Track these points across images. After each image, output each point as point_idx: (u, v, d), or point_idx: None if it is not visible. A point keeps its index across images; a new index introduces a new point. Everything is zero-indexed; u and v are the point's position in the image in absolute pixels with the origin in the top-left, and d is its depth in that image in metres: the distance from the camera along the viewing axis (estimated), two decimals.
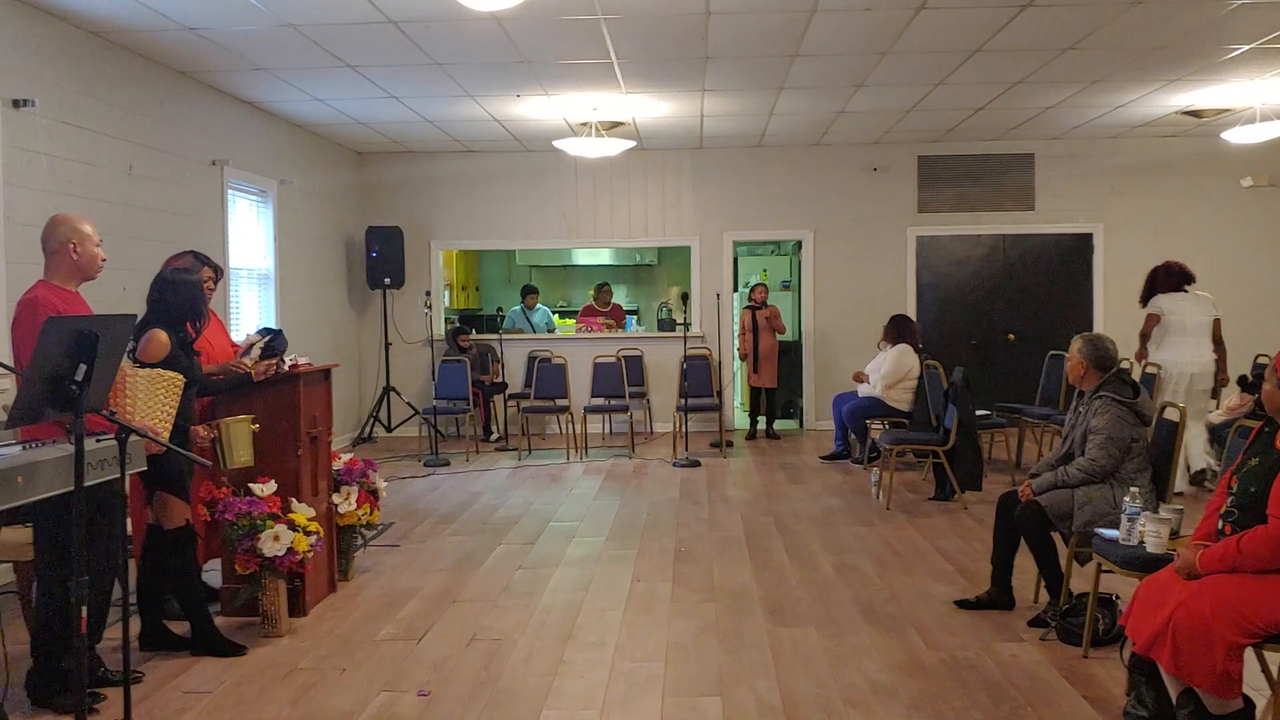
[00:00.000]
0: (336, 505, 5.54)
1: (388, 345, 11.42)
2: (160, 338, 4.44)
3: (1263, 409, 3.63)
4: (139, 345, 4.43)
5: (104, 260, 4.27)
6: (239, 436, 4.72)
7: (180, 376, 4.33)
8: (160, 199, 7.45)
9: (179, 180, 7.76)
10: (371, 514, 5.77)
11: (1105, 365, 4.84)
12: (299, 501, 5.00)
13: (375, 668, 4.42)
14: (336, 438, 8.02)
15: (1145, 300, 7.95)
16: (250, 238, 9.14)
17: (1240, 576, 3.30)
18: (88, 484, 3.29)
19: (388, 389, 11.38)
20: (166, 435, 4.19)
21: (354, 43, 7.08)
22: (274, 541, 4.69)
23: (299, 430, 5.10)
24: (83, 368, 3.20)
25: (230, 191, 8.61)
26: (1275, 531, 3.26)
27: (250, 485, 4.83)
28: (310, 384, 5.30)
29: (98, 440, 3.54)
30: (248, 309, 9.09)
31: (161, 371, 4.27)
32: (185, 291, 4.59)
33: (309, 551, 4.83)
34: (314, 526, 4.91)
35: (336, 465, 5.65)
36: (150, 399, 4.16)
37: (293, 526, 4.79)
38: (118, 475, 3.51)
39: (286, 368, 5.06)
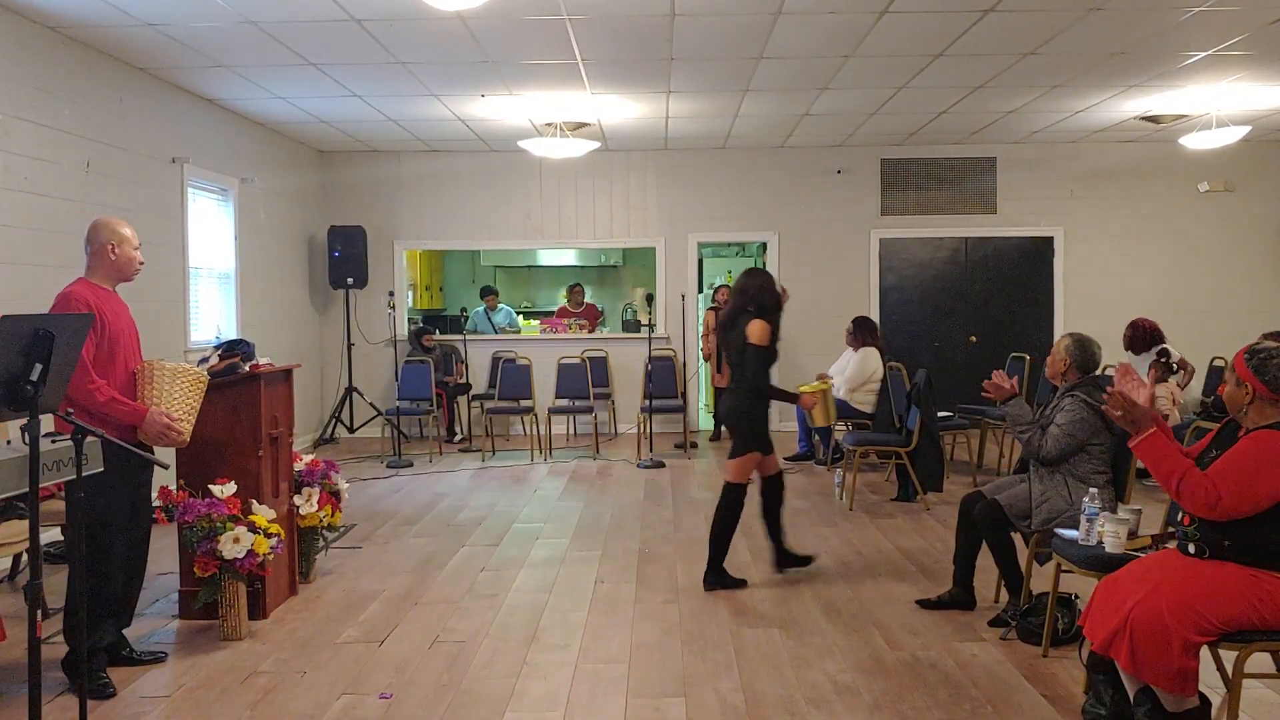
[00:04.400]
0: (298, 507, 5.49)
1: (350, 345, 11.34)
2: (765, 325, 5.43)
3: (1223, 409, 3.69)
4: (747, 330, 5.41)
5: (141, 263, 4.52)
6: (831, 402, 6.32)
7: (205, 375, 4.55)
8: (119, 197, 7.35)
9: (138, 178, 7.65)
10: (333, 516, 5.73)
11: (1087, 368, 4.90)
12: (259, 503, 4.96)
13: (336, 671, 4.38)
14: (298, 439, 7.96)
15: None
16: (211, 237, 9.03)
17: (1195, 575, 3.35)
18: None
19: (350, 390, 11.30)
20: (187, 428, 4.39)
21: (316, 40, 7.02)
22: (234, 544, 4.64)
23: (259, 431, 5.05)
24: (38, 367, 3.14)
25: (190, 189, 8.51)
26: (1209, 488, 3.33)
27: (210, 487, 4.78)
28: (271, 384, 5.24)
29: (53, 441, 3.48)
30: (208, 308, 8.99)
31: (187, 367, 4.44)
32: (772, 286, 5.61)
33: (269, 554, 4.78)
34: (275, 528, 4.86)
35: (298, 466, 5.60)
36: (172, 390, 4.35)
37: (253, 528, 4.75)
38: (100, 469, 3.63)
39: (246, 369, 5.01)
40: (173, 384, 4.37)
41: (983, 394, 5.08)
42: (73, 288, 4.30)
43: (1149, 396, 3.78)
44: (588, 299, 13.41)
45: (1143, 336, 8.44)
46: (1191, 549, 3.48)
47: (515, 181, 11.78)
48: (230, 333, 9.08)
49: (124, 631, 4.50)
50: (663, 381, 10.74)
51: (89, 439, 3.40)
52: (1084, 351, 4.90)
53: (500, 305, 12.74)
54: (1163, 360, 8.20)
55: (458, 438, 11.27)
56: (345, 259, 11.10)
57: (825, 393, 6.19)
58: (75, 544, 3.99)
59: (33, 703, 3.15)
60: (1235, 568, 3.34)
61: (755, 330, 5.41)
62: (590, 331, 12.29)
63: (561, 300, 13.40)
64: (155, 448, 4.35)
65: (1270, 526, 3.31)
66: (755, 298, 5.51)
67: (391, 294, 11.26)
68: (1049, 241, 11.75)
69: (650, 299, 11.06)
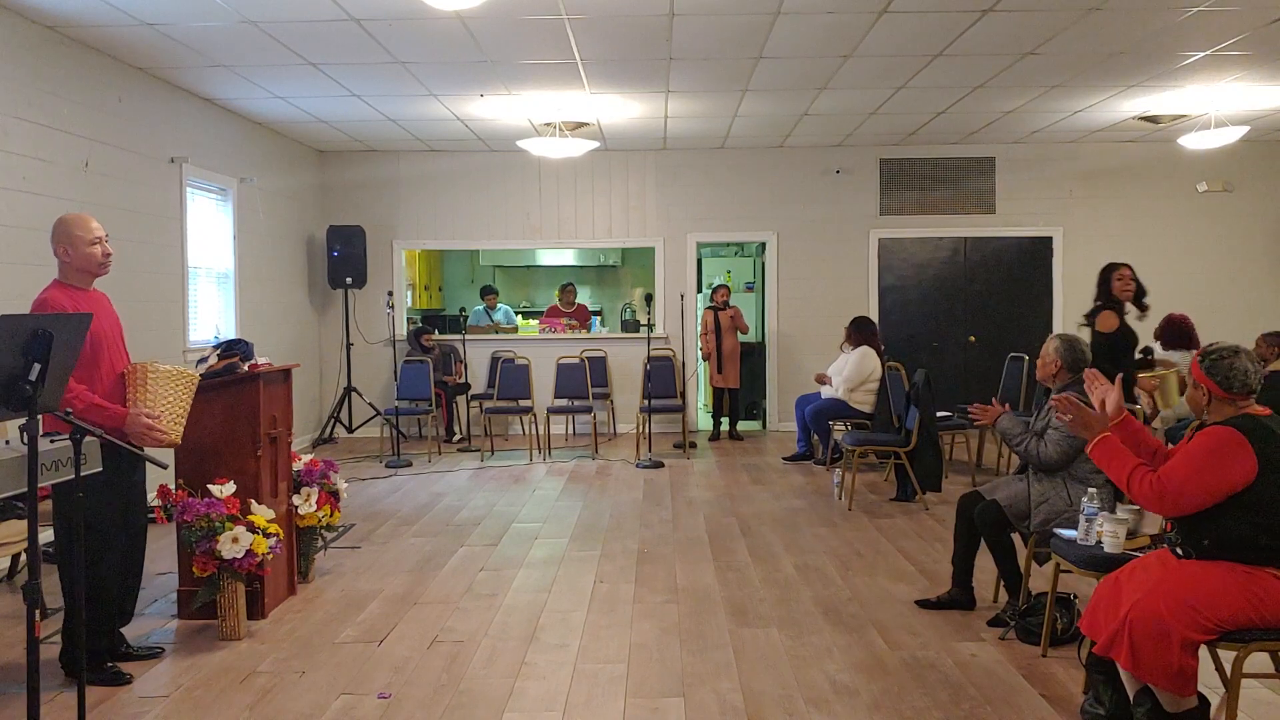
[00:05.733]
0: (296, 507, 5.49)
1: (349, 345, 11.34)
2: (1110, 315, 6.24)
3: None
4: (1096, 320, 6.33)
5: (107, 255, 4.36)
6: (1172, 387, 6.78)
7: (196, 376, 4.54)
8: (118, 196, 7.35)
9: (137, 177, 7.65)
10: (332, 515, 5.72)
11: (1077, 367, 4.90)
12: (258, 503, 4.96)
13: (335, 670, 4.38)
14: (297, 439, 7.96)
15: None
16: (210, 236, 9.03)
17: (1193, 574, 3.35)
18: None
19: (349, 389, 11.30)
20: (178, 430, 4.38)
21: (315, 40, 7.02)
22: (233, 543, 4.64)
23: (258, 431, 5.05)
24: (37, 367, 3.14)
25: (189, 189, 8.50)
26: (1154, 481, 3.43)
27: (209, 486, 4.78)
28: (270, 384, 5.24)
29: (52, 441, 3.48)
30: (207, 308, 8.98)
31: (180, 370, 4.42)
32: (1106, 281, 6.40)
33: (268, 554, 4.78)
34: (273, 528, 4.86)
35: (297, 466, 5.60)
36: (164, 394, 4.34)
37: (252, 528, 4.74)
38: (76, 474, 3.50)
39: (244, 368, 5.00)
40: (166, 387, 4.35)
41: (973, 423, 5.11)
42: (48, 293, 4.23)
43: (1116, 402, 3.78)
44: (588, 299, 13.41)
45: (1175, 331, 8.36)
46: (1179, 552, 3.49)
47: (514, 181, 11.78)
48: (229, 332, 9.07)
49: (122, 630, 4.50)
50: (661, 381, 10.74)
51: (87, 438, 3.40)
52: (1073, 351, 4.91)
53: (499, 305, 12.75)
54: (1147, 359, 8.20)
55: (456, 438, 11.26)
56: (344, 259, 11.10)
57: (1165, 379, 6.65)
58: (72, 545, 3.98)
59: (31, 702, 3.15)
60: (1230, 565, 3.34)
61: (1101, 319, 6.29)
62: (587, 332, 12.29)
63: (553, 299, 13.41)
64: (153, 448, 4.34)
65: (1233, 519, 3.33)
66: (1099, 293, 6.45)
67: (390, 294, 11.25)
68: (1048, 241, 11.76)
69: (649, 299, 11.05)
